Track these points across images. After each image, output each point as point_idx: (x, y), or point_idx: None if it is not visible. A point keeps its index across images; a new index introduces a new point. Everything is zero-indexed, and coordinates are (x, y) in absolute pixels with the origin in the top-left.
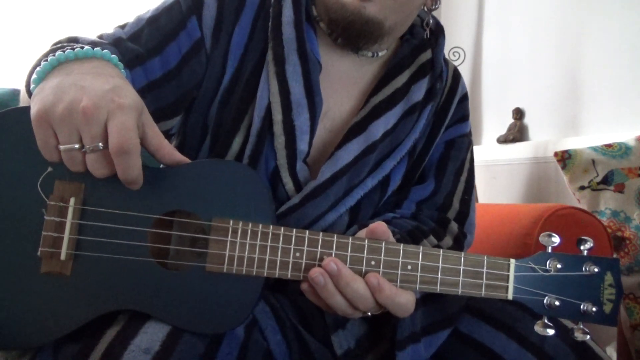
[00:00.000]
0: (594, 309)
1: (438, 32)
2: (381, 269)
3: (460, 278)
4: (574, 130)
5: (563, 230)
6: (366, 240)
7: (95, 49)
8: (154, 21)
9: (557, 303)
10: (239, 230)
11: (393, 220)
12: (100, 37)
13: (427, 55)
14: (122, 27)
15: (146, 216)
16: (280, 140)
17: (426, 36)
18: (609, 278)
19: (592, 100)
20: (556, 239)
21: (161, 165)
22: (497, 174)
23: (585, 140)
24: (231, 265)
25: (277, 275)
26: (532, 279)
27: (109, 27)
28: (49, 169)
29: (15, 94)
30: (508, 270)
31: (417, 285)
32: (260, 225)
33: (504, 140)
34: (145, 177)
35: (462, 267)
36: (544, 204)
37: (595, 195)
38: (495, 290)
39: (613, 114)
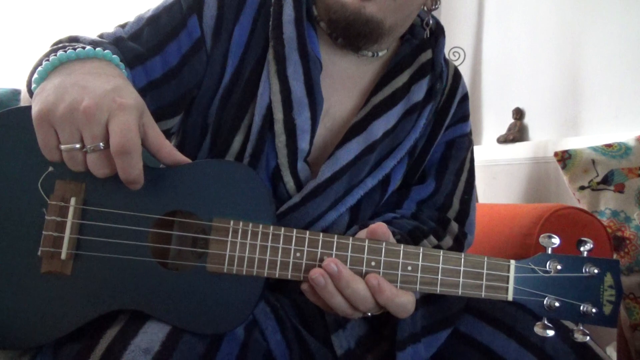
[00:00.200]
0: (593, 310)
1: (438, 32)
2: (381, 270)
3: (461, 279)
4: (574, 130)
5: (563, 231)
6: (366, 241)
7: (97, 49)
8: (155, 20)
9: (557, 304)
10: (240, 231)
11: (393, 220)
12: (101, 36)
13: (427, 55)
14: (123, 26)
15: (147, 216)
16: (281, 139)
17: (426, 36)
18: (608, 279)
19: (592, 100)
20: (556, 240)
21: (161, 165)
22: (497, 174)
23: (585, 140)
24: (231, 265)
25: (277, 276)
26: (532, 280)
27: (109, 27)
28: (50, 168)
29: (15, 94)
30: (508, 271)
31: (417, 286)
32: (261, 226)
33: (504, 140)
34: (146, 177)
35: (462, 268)
36: (544, 204)
37: (595, 195)
38: (495, 291)
39: (613, 114)
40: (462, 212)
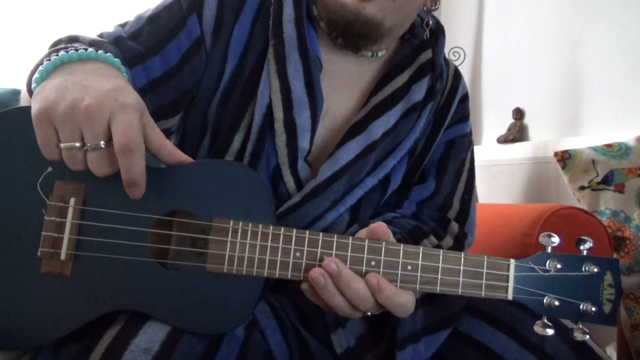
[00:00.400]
0: (593, 309)
1: (438, 32)
2: (381, 269)
3: (460, 278)
4: (574, 130)
5: (563, 231)
6: (366, 241)
7: (99, 51)
8: (154, 20)
9: (556, 303)
10: (239, 231)
11: (393, 220)
12: (101, 35)
13: (427, 55)
14: (123, 25)
15: (146, 216)
16: (281, 138)
17: (426, 36)
18: (608, 278)
19: (592, 100)
20: (556, 239)
21: (162, 165)
22: (497, 174)
23: (585, 140)
24: (231, 265)
25: (277, 276)
26: (531, 279)
27: (109, 26)
28: (49, 169)
29: (15, 94)
30: (508, 271)
31: (417, 286)
32: (261, 226)
33: (504, 140)
34: (146, 177)
35: (462, 268)
36: (544, 204)
37: (595, 195)
38: (495, 290)
39: (613, 114)
40: (462, 212)
